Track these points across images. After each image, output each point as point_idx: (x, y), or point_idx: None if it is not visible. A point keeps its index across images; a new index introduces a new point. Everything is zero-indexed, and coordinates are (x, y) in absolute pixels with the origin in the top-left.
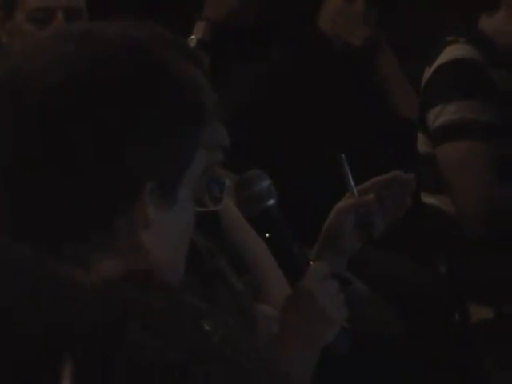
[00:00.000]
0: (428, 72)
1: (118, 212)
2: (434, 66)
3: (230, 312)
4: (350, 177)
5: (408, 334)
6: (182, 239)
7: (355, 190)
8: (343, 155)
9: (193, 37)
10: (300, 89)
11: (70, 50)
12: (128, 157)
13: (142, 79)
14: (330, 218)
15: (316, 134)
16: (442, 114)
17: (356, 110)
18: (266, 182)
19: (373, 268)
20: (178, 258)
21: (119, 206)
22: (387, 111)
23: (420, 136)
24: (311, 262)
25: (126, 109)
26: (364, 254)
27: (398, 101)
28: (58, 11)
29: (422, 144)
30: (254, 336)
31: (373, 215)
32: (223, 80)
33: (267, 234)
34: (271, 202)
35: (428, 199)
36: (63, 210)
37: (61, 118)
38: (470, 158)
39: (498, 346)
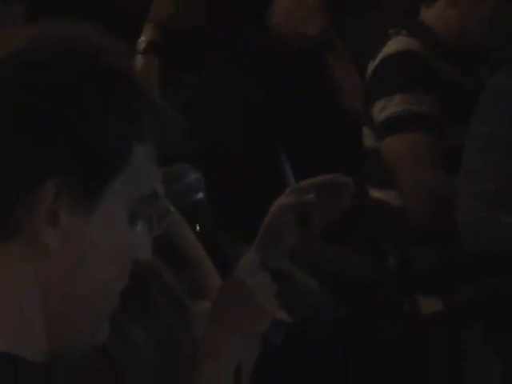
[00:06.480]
0: (372, 65)
1: (18, 200)
2: (377, 59)
3: (166, 314)
4: (290, 174)
5: (356, 326)
6: (114, 258)
7: (296, 188)
8: (284, 153)
9: (142, 38)
10: (244, 85)
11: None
12: (39, 144)
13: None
14: (270, 214)
15: (258, 128)
16: (386, 108)
17: (302, 105)
18: (194, 176)
19: (321, 262)
20: (111, 279)
21: (19, 192)
22: (334, 107)
23: (365, 130)
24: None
25: (55, 93)
26: (314, 248)
27: (346, 97)
28: None
29: (368, 138)
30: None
31: (311, 214)
32: (173, 87)
33: (198, 227)
34: (200, 195)
35: (375, 193)
36: None
37: None
38: (414, 150)
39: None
